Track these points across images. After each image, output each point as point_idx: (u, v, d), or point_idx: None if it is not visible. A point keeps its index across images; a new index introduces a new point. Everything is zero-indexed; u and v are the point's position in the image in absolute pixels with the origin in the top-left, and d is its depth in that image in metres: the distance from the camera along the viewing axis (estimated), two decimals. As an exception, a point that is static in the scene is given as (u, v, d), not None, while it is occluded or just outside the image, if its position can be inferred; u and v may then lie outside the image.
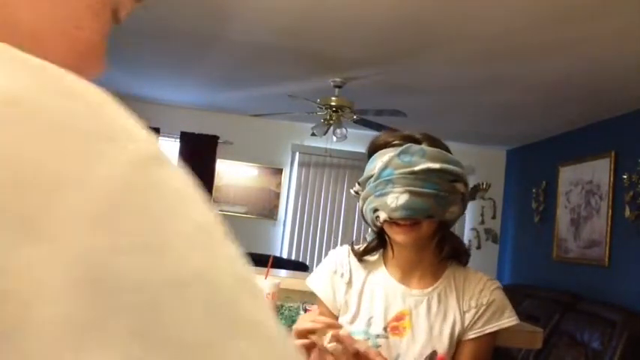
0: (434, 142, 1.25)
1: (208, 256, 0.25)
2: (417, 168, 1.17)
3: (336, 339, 1.07)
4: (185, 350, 0.22)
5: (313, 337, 1.11)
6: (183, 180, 0.27)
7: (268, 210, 5.75)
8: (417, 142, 1.23)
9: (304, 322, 1.15)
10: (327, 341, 1.07)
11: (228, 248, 0.27)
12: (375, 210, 1.21)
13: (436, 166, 1.17)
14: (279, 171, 5.79)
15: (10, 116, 0.22)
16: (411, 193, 1.16)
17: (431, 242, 1.27)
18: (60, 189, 0.22)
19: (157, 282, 0.22)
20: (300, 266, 4.83)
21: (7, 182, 0.21)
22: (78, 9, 0.36)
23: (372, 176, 1.22)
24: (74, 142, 0.23)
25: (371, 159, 1.26)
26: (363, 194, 1.26)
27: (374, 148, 1.27)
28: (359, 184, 1.29)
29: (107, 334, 0.21)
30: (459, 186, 1.21)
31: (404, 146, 1.20)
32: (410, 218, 1.18)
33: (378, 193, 1.20)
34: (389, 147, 1.24)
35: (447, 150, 1.25)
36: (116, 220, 0.23)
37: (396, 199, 1.17)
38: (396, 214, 1.17)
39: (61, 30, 0.35)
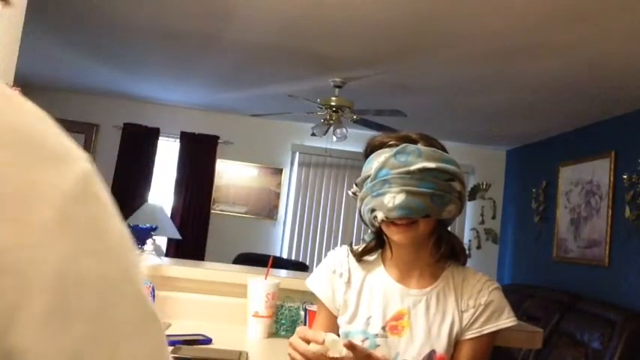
0: (430, 141, 1.25)
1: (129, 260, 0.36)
2: (412, 168, 1.17)
3: (349, 348, 1.08)
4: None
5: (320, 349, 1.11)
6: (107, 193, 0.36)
7: (268, 210, 5.75)
8: (414, 142, 1.23)
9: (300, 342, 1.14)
10: (337, 352, 1.09)
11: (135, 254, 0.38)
12: (373, 210, 1.21)
13: (432, 165, 1.18)
14: (279, 171, 5.79)
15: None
16: (407, 192, 1.16)
17: (428, 241, 1.27)
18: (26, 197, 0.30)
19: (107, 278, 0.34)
20: (300, 266, 4.84)
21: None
22: None
23: (368, 177, 1.23)
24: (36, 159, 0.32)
25: (367, 160, 1.26)
26: (360, 195, 1.26)
27: (370, 149, 1.27)
28: (356, 184, 1.29)
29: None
30: (456, 185, 1.21)
31: (400, 146, 1.20)
32: (407, 218, 1.19)
33: (375, 194, 1.20)
34: (385, 147, 1.24)
35: (444, 149, 1.25)
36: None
37: (393, 198, 1.17)
38: (393, 214, 1.17)
39: None
